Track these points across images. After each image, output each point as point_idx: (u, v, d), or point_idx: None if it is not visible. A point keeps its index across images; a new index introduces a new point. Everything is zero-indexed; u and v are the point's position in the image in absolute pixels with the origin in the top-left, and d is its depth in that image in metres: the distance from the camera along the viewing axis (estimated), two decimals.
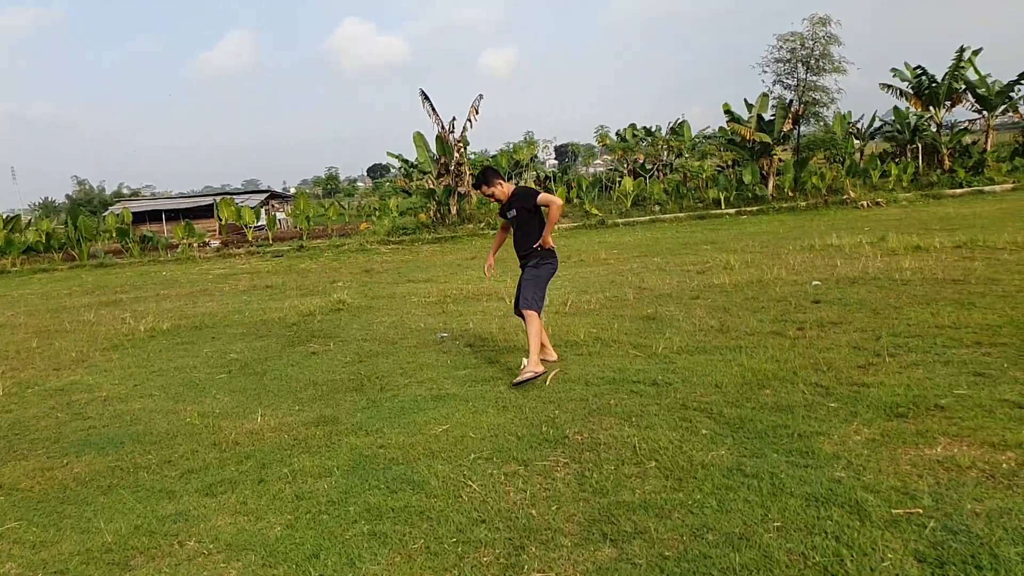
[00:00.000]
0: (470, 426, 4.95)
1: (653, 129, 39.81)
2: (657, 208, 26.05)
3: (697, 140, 35.74)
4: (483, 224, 24.54)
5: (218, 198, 31.87)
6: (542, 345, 6.27)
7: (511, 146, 42.02)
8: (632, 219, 24.03)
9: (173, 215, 40.98)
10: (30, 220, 40.39)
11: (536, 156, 47.15)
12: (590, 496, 3.68)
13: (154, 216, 42.71)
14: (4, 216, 31.97)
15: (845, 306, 7.75)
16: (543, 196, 6.25)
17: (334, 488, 4.13)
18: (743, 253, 13.10)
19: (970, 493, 3.31)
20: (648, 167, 36.28)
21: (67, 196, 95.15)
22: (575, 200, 31.61)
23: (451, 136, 25.15)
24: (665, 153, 36.18)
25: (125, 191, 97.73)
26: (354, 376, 6.67)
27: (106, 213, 45.52)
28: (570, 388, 5.61)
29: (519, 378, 5.76)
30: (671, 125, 36.62)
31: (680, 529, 3.25)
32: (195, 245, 26.81)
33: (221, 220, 27.26)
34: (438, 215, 25.42)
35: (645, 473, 3.89)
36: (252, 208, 31.97)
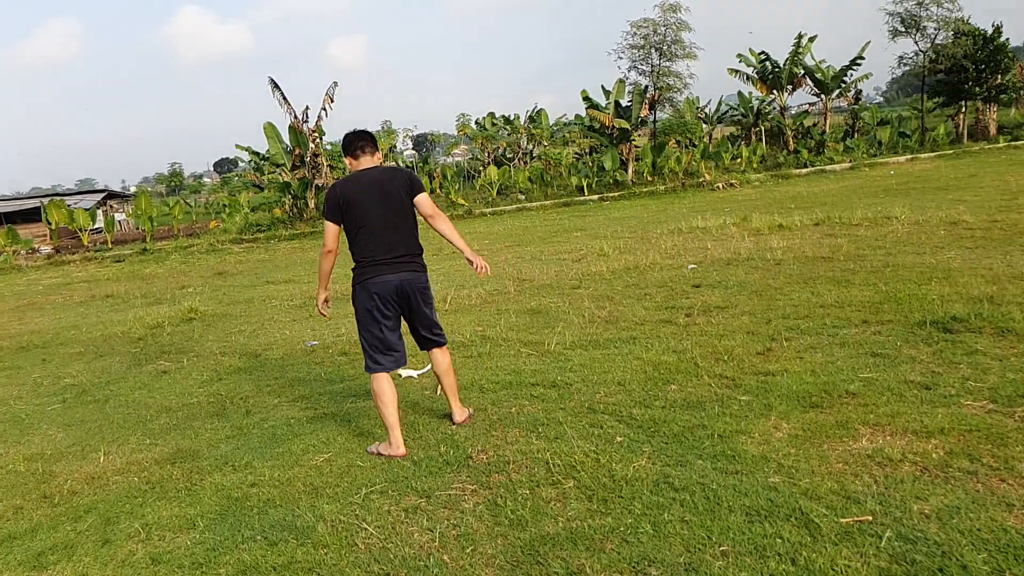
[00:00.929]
0: (356, 452, 4.35)
1: (512, 117, 39.82)
2: (522, 196, 25.96)
3: (555, 128, 36.06)
4: None
5: (46, 200, 28.70)
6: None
7: None
8: (499, 208, 23.79)
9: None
10: None
11: (395, 146, 46.02)
12: (508, 530, 3.22)
13: None
14: None
15: (727, 289, 7.72)
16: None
17: (199, 544, 3.43)
18: (615, 239, 13.07)
19: (911, 491, 3.11)
20: (509, 156, 36.24)
21: None
22: (439, 191, 31.04)
23: (305, 126, 23.84)
24: (525, 141, 36.26)
25: None
26: (214, 398, 5.86)
27: None
28: (464, 397, 5.11)
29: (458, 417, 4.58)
30: (529, 113, 36.70)
31: (618, 564, 2.85)
32: (21, 253, 24.00)
33: (51, 224, 24.49)
34: (295, 210, 24.08)
35: (565, 495, 3.47)
36: (88, 209, 29.08)
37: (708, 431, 4.02)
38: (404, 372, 6.32)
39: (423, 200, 4.40)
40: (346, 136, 4.47)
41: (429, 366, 6.31)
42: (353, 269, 4.35)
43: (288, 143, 24.68)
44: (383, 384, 4.31)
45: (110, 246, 23.80)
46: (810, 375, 4.74)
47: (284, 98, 23.66)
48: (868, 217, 11.71)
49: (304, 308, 9.56)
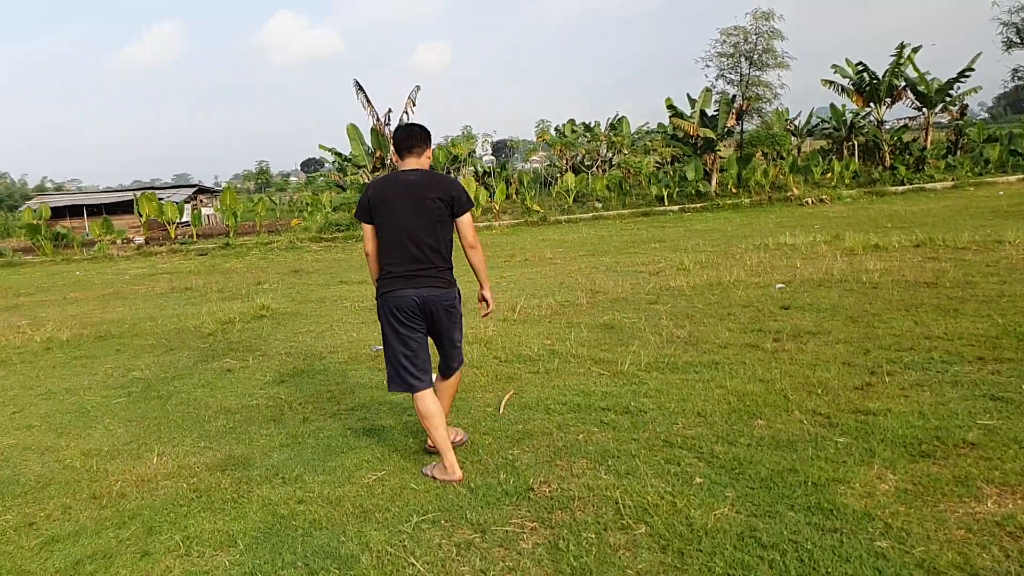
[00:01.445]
0: (411, 472, 4.07)
1: (592, 124, 39.35)
2: (599, 205, 25.48)
3: (636, 136, 35.39)
4: None
5: (138, 193, 29.93)
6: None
7: (448, 140, 40.95)
8: (574, 216, 23.39)
9: (96, 210, 38.58)
10: None
11: (474, 151, 46.19)
12: None
13: (75, 211, 40.16)
14: None
15: (818, 312, 7.15)
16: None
17: (237, 566, 3.21)
18: (695, 252, 12.51)
19: None
20: (588, 163, 35.78)
21: None
22: (515, 196, 30.89)
23: (386, 129, 24.03)
24: (604, 149, 35.74)
25: (48, 185, 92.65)
26: (273, 401, 5.70)
27: (22, 208, 42.66)
28: (529, 417, 4.78)
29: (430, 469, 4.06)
30: (610, 121, 36.17)
31: None
32: (115, 242, 25.03)
33: (141, 216, 25.43)
34: None
35: (636, 543, 3.09)
36: (177, 203, 30.16)
37: (800, 477, 3.56)
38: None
39: (466, 223, 4.07)
40: (397, 130, 4.17)
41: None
42: (378, 279, 4.10)
43: (370, 145, 24.93)
44: (428, 403, 4.00)
45: (195, 239, 24.55)
46: (918, 417, 4.21)
47: (367, 100, 23.91)
48: (976, 240, 10.82)
49: (373, 311, 9.39)
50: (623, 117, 35.10)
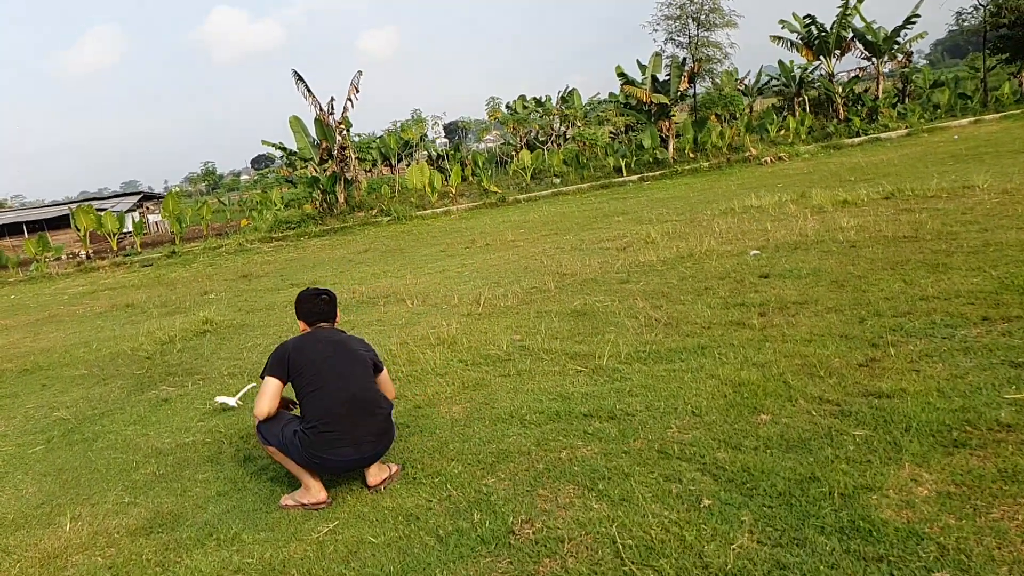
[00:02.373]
0: (368, 521, 3.46)
1: (543, 100, 38.63)
2: (557, 180, 24.89)
3: (589, 107, 34.76)
4: (375, 211, 22.72)
5: (74, 206, 28.52)
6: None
7: (399, 125, 39.89)
8: (533, 194, 22.78)
9: (37, 226, 36.82)
10: None
11: (425, 135, 45.14)
12: None
13: (14, 229, 38.32)
14: None
15: (800, 279, 6.68)
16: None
17: None
18: (661, 223, 12.00)
19: None
20: (542, 139, 35.12)
21: None
22: (471, 178, 30.15)
23: (331, 118, 23.08)
24: (558, 123, 35.10)
25: None
26: (211, 436, 5.03)
27: None
28: (503, 433, 4.20)
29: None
30: (560, 94, 35.49)
31: None
32: (58, 259, 23.76)
33: (79, 230, 24.17)
34: (324, 205, 23.37)
35: None
36: (122, 213, 28.85)
37: (824, 487, 3.04)
38: (222, 399, 5.65)
39: (385, 377, 4.11)
40: (307, 299, 4.07)
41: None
42: (304, 427, 3.74)
43: (315, 136, 23.97)
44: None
45: (139, 250, 23.41)
46: (938, 397, 3.72)
47: (308, 90, 22.93)
48: (945, 187, 10.48)
49: None
50: (574, 89, 34.47)
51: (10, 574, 3.50)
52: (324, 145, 23.21)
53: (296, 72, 22.82)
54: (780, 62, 32.20)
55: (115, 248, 24.43)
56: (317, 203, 23.56)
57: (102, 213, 25.05)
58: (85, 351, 8.82)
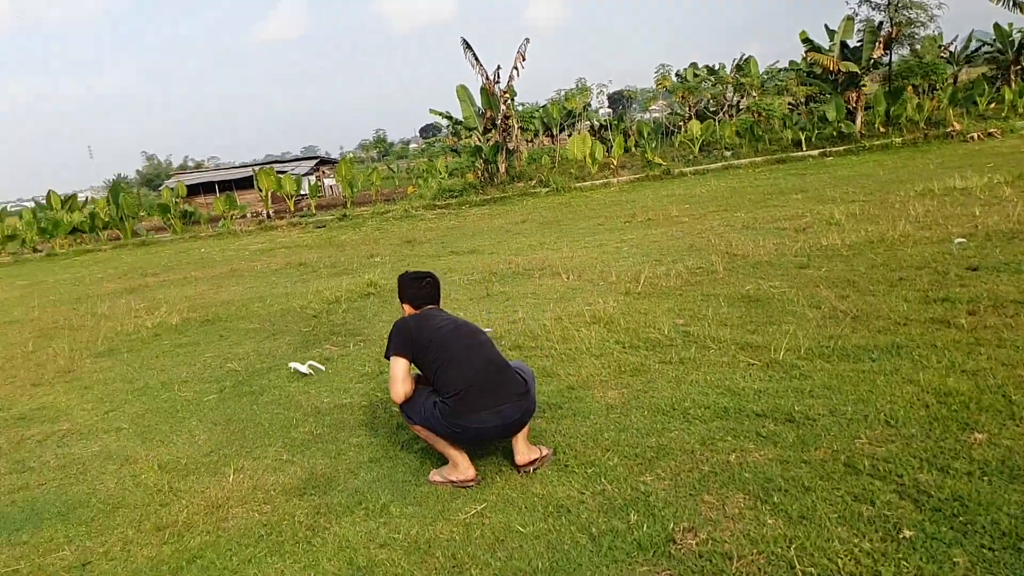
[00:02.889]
0: (517, 507, 3.27)
1: (716, 68, 36.81)
2: (728, 153, 23.64)
3: (766, 76, 32.66)
4: (534, 182, 22.64)
5: (258, 168, 30.71)
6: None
7: (562, 94, 39.50)
8: (701, 167, 21.76)
9: (227, 186, 40.20)
10: (86, 199, 40.14)
11: (589, 104, 44.49)
12: None
13: (208, 188, 42.05)
14: (62, 196, 31.46)
15: (1019, 274, 5.77)
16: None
17: None
18: (845, 203, 10.97)
19: None
20: (713, 109, 33.53)
21: (137, 171, 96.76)
22: (634, 149, 29.36)
23: (496, 87, 23.15)
24: (731, 92, 33.33)
25: (190, 164, 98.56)
26: (368, 400, 5.06)
27: (162, 187, 45.23)
28: (663, 426, 3.87)
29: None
30: (736, 62, 33.60)
31: None
32: (243, 216, 25.74)
33: (261, 191, 25.99)
34: (485, 174, 23.58)
35: None
36: (299, 176, 30.75)
37: None
38: (295, 365, 5.96)
39: None
40: (411, 282, 4.03)
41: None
42: (441, 400, 3.61)
43: (480, 106, 24.19)
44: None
45: (314, 212, 24.81)
46: None
47: (476, 59, 23.10)
48: None
49: (482, 284, 8.68)
50: (750, 57, 32.50)
51: (179, 517, 3.64)
52: (488, 114, 23.37)
53: (464, 40, 23.05)
54: (996, 25, 28.69)
55: (292, 209, 26.04)
56: (479, 172, 23.82)
57: (282, 176, 26.76)
58: (259, 306, 9.33)
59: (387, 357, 3.74)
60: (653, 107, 48.35)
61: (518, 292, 7.98)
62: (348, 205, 24.54)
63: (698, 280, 7.21)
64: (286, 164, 45.05)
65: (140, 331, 8.56)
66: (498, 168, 23.34)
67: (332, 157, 58.91)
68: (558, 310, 6.79)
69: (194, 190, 40.47)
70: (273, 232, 21.32)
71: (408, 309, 3.96)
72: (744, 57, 32.75)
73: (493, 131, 23.38)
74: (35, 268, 20.56)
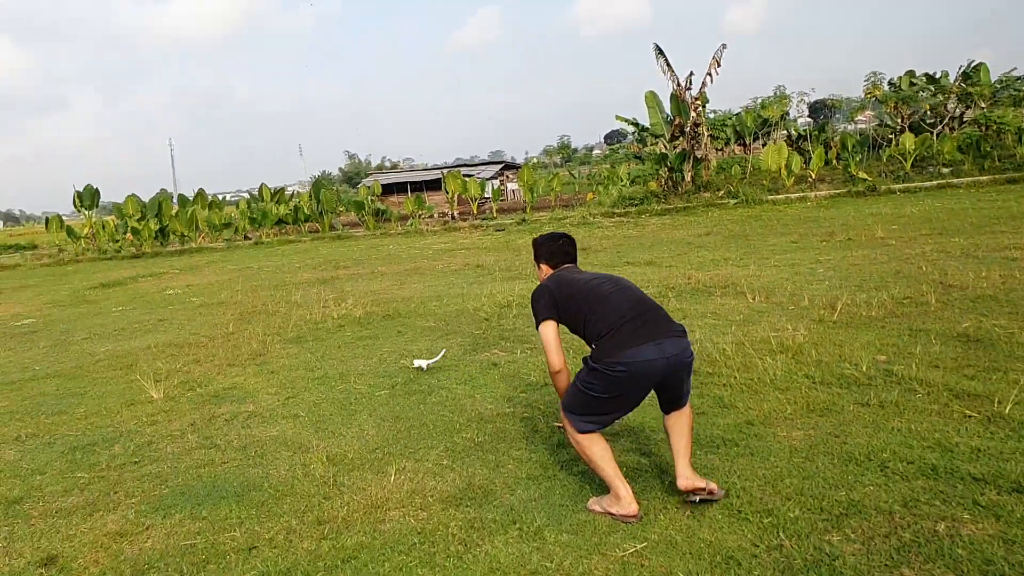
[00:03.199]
0: (680, 552, 2.98)
1: (936, 75, 33.48)
2: (947, 170, 21.38)
3: (999, 85, 29.17)
4: (721, 192, 21.72)
5: (446, 171, 31.99)
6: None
7: (758, 102, 37.70)
8: (913, 184, 19.85)
9: (417, 187, 42.37)
10: (293, 193, 43.89)
11: (787, 113, 42.17)
12: None
13: (400, 188, 44.51)
14: (272, 189, 34.73)
15: None
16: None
17: None
18: None
19: None
20: (930, 121, 30.52)
21: (339, 169, 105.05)
22: (835, 162, 27.39)
23: (687, 93, 22.47)
24: (954, 102, 30.16)
25: (387, 164, 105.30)
26: (530, 411, 4.94)
27: (359, 185, 48.51)
28: (855, 478, 3.41)
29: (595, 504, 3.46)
30: (962, 70, 30.35)
31: None
32: (431, 216, 26.93)
33: (448, 193, 27.04)
34: (669, 183, 22.96)
35: None
36: (484, 180, 31.69)
37: None
38: (418, 362, 6.28)
39: None
40: (547, 241, 3.97)
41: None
42: (595, 348, 3.42)
43: (669, 112, 23.61)
44: (600, 442, 3.44)
45: (495, 215, 25.39)
46: None
47: (667, 64, 22.59)
48: None
49: (657, 299, 8.33)
50: (980, 64, 29.25)
51: (339, 512, 3.69)
52: (677, 121, 22.74)
53: (657, 45, 22.60)
54: None
55: (475, 211, 26.84)
56: (662, 180, 23.25)
57: (468, 179, 27.68)
58: (436, 305, 9.56)
59: (537, 326, 3.60)
60: (859, 118, 45.00)
61: (696, 310, 7.57)
62: (527, 210, 24.89)
63: (905, 312, 6.45)
64: (473, 168, 46.63)
65: (326, 321, 9.05)
66: (683, 177, 22.66)
67: (516, 162, 60.30)
68: (740, 334, 6.33)
69: (388, 189, 42.94)
70: (456, 233, 22.05)
71: (545, 269, 3.89)
72: (973, 64, 29.55)
73: (681, 138, 22.73)
74: (243, 254, 22.65)
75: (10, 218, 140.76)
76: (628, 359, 3.22)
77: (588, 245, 15.04)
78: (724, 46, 22.44)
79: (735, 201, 20.47)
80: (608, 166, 40.01)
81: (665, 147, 23.49)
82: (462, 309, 8.99)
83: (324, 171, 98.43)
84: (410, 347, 7.27)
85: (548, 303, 3.56)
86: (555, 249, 3.87)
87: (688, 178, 22.53)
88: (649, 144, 28.70)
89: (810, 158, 24.00)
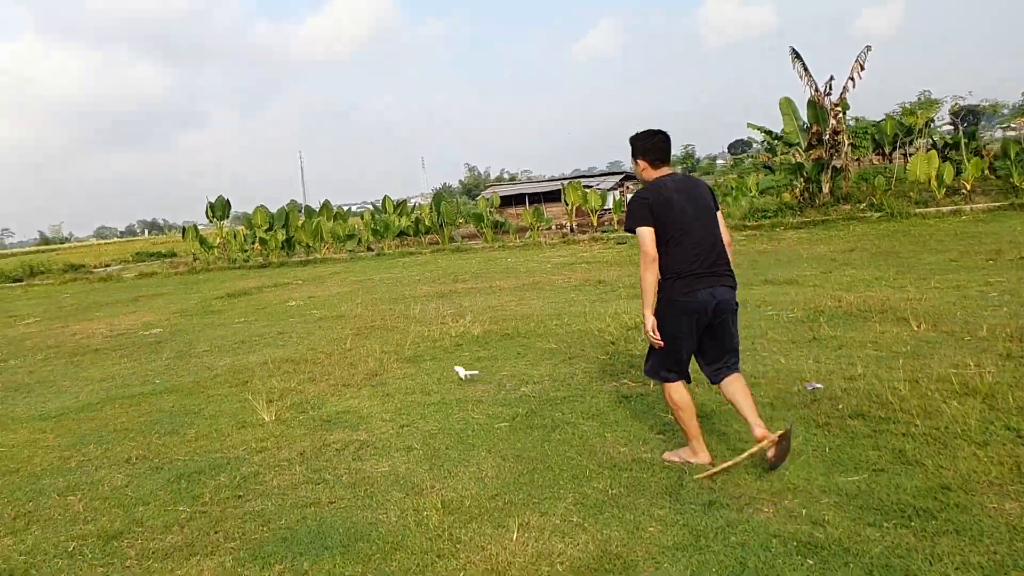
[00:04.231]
0: None
1: None
2: None
3: None
4: (863, 205, 20.10)
5: (565, 182, 31.49)
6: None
7: (901, 108, 35.05)
8: None
9: (535, 198, 42.10)
10: (415, 204, 44.73)
11: (932, 120, 39.06)
12: None
13: (519, 199, 44.39)
14: (394, 201, 35.44)
15: None
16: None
17: None
18: None
19: None
20: None
21: (460, 181, 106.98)
22: (988, 172, 24.90)
23: (827, 99, 20.97)
24: None
25: (506, 176, 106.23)
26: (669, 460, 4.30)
27: (479, 197, 48.87)
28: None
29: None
30: None
31: None
32: (549, 228, 26.53)
33: (567, 205, 26.52)
34: (806, 194, 21.48)
35: None
36: (603, 191, 30.99)
37: None
38: (461, 370, 6.67)
39: (721, 218, 4.16)
40: (654, 137, 4.16)
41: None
42: (663, 282, 3.97)
43: (805, 120, 22.15)
44: (683, 393, 4.15)
45: (616, 227, 24.64)
46: None
47: (805, 69, 21.18)
48: None
49: (807, 324, 7.48)
50: None
51: (455, 575, 3.22)
52: (815, 129, 21.25)
53: (794, 49, 21.23)
54: None
55: (595, 224, 26.16)
56: (797, 192, 21.80)
57: (588, 190, 27.05)
58: (556, 324, 9.04)
59: (630, 230, 3.97)
60: (1015, 123, 41.13)
61: (853, 339, 6.68)
62: None
63: None
64: (592, 179, 45.91)
65: (444, 339, 8.72)
66: (821, 188, 21.16)
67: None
68: (911, 369, 5.45)
69: (506, 201, 42.89)
70: (575, 246, 21.49)
71: (643, 164, 4.12)
72: None
73: (817, 147, 21.24)
74: (365, 266, 22.97)
75: (154, 227, 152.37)
76: (687, 300, 3.87)
77: None
78: (869, 48, 20.80)
79: (879, 214, 18.86)
80: (735, 176, 38.35)
81: (800, 156, 22.03)
82: (585, 330, 8.43)
83: (445, 183, 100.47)
84: (531, 371, 6.79)
85: (644, 213, 3.92)
86: (651, 145, 4.09)
87: (826, 189, 20.99)
88: (780, 153, 27.15)
89: (963, 168, 21.87)
